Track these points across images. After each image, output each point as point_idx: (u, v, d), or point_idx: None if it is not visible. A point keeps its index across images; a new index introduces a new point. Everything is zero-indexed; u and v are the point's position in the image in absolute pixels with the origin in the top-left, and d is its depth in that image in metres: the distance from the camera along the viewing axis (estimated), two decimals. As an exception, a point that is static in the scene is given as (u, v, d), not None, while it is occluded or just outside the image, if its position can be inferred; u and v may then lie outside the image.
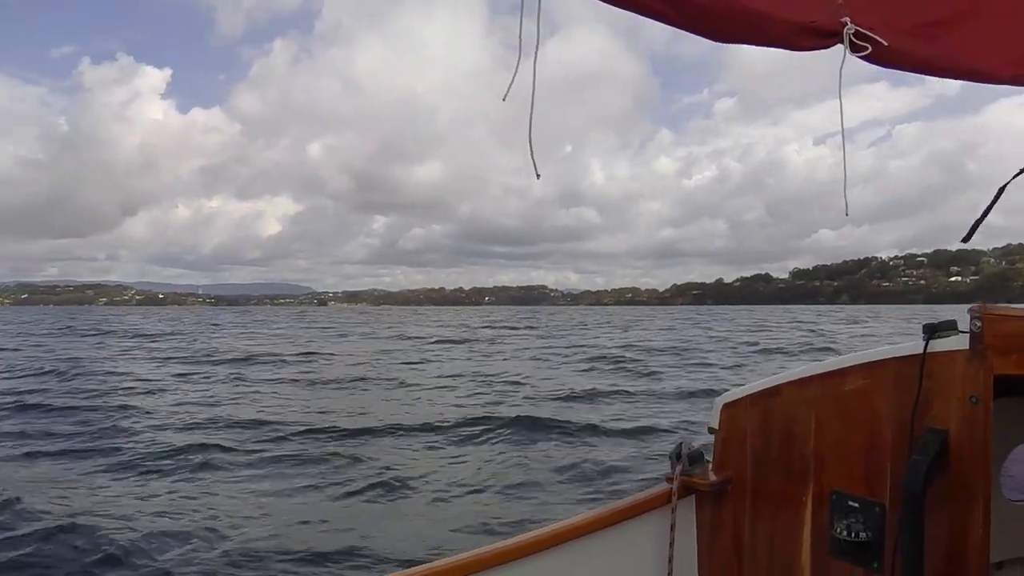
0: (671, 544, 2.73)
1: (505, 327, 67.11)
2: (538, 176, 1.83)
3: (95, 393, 18.57)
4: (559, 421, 13.59)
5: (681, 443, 2.92)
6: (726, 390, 2.99)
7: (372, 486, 9.27)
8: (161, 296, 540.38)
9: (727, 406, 2.89)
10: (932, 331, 2.21)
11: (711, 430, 2.95)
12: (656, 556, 2.75)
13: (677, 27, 2.06)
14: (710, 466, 2.91)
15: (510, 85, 1.73)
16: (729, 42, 2.16)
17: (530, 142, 1.79)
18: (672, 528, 2.73)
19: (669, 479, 2.85)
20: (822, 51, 2.14)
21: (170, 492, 9.21)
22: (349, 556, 6.81)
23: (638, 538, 2.76)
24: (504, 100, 1.78)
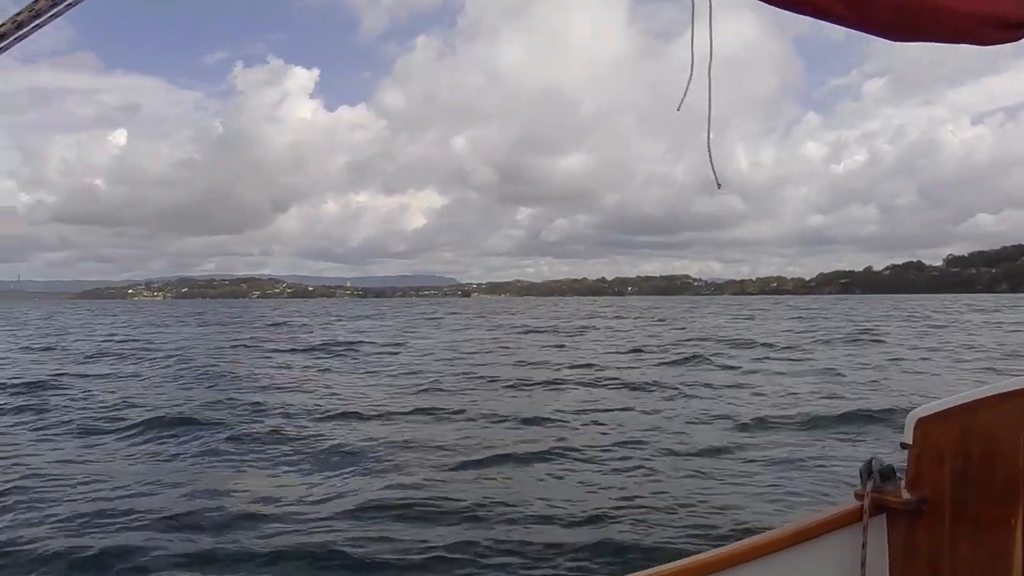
0: (862, 564, 2.63)
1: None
2: (719, 186, 1.85)
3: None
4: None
5: (872, 458, 2.81)
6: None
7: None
8: (311, 289, 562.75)
9: (921, 421, 2.76)
10: None
11: (903, 445, 2.82)
12: None
13: (854, 28, 2.03)
14: (903, 483, 2.79)
15: (683, 97, 1.76)
16: (907, 40, 2.08)
17: (709, 153, 1.81)
18: (863, 547, 2.64)
19: (859, 496, 2.76)
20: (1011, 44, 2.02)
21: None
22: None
23: (828, 557, 2.68)
24: (679, 110, 1.81)
